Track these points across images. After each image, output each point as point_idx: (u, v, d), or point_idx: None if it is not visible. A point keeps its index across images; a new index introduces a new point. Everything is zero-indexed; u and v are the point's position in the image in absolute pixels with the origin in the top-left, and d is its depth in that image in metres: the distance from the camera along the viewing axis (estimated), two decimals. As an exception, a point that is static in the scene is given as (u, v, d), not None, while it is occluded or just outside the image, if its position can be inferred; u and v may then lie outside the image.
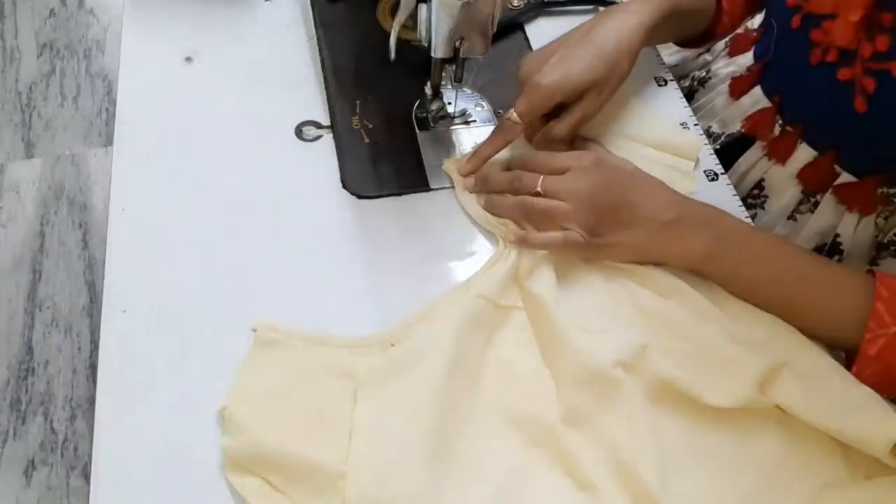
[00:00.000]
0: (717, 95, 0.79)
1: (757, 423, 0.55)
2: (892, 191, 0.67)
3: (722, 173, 0.70)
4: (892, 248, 0.68)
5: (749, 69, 0.76)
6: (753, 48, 0.77)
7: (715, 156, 0.71)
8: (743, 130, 0.74)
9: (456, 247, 0.64)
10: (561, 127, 0.65)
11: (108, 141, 1.60)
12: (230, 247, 0.62)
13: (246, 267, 0.61)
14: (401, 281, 0.61)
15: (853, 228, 0.69)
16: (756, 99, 0.74)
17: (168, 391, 0.54)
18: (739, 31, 0.80)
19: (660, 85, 0.77)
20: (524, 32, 0.80)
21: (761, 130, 0.73)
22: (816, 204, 0.70)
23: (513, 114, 0.62)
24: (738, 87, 0.76)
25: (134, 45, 0.75)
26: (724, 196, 0.69)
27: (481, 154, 0.64)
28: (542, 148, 0.67)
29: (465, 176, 0.65)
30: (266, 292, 0.59)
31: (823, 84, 0.65)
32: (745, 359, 0.54)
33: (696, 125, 0.74)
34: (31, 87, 1.73)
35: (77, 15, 1.88)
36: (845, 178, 0.68)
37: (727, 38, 0.81)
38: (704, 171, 0.70)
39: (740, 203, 0.68)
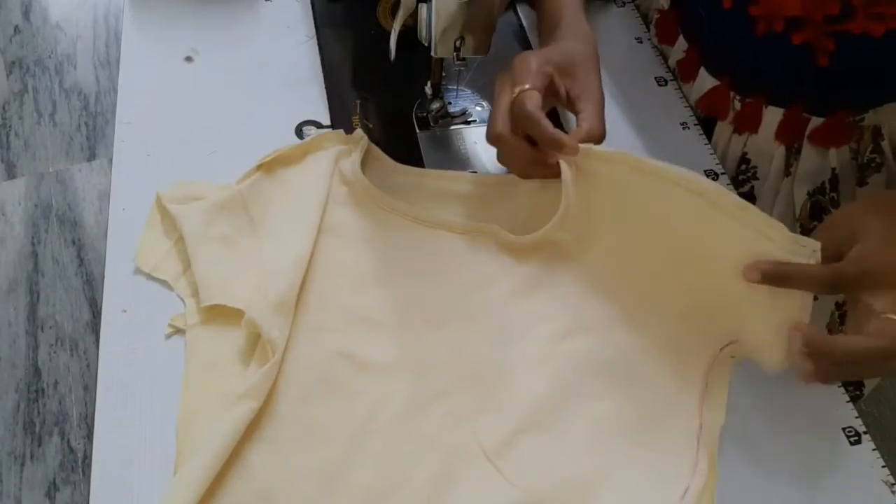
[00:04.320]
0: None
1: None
2: (857, 118, 0.68)
3: (722, 173, 0.70)
4: (873, 164, 0.70)
5: (686, 52, 0.75)
6: (681, 29, 0.76)
7: (715, 155, 0.71)
8: (702, 114, 0.74)
9: (456, 247, 0.63)
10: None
11: (92, 155, 1.57)
12: (230, 247, 0.62)
13: (246, 267, 0.61)
14: (401, 281, 0.61)
15: (836, 158, 0.70)
16: (705, 79, 0.73)
17: (168, 391, 0.54)
18: (657, 14, 0.79)
19: (660, 85, 0.77)
20: (524, 32, 0.80)
21: (720, 110, 0.72)
22: (800, 150, 0.71)
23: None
24: (686, 70, 0.75)
25: (134, 44, 0.76)
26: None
27: None
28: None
29: None
30: (266, 292, 0.59)
31: (776, 51, 0.65)
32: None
33: (696, 125, 0.74)
34: (4, 107, 1.68)
35: (43, 30, 1.82)
36: (815, 121, 0.69)
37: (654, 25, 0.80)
38: (705, 171, 0.70)
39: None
